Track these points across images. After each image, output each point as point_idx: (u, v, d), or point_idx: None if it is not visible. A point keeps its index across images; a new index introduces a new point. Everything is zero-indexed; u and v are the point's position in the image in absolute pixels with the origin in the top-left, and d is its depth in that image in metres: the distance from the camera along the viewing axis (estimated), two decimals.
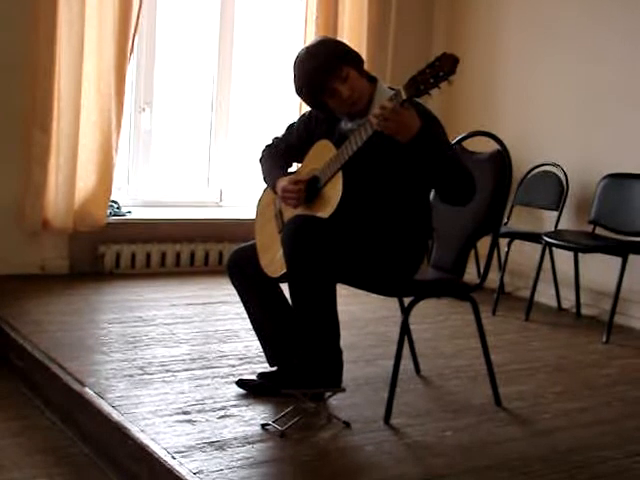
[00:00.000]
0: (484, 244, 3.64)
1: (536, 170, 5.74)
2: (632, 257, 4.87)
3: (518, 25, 6.08)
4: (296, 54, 3.34)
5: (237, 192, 6.31)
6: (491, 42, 6.28)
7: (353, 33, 6.06)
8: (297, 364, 3.28)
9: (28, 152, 5.21)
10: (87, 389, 3.44)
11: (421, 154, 3.04)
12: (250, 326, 3.64)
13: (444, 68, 2.87)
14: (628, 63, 5.33)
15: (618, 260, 4.86)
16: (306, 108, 3.55)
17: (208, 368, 3.82)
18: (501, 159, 3.46)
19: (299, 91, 3.33)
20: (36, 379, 3.86)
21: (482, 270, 3.55)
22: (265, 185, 3.59)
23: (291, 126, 3.60)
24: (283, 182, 3.39)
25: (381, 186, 3.25)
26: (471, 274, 4.21)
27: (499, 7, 6.22)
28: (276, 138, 3.64)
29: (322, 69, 3.21)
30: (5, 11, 5.12)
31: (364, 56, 3.46)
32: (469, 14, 6.47)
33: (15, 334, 4.18)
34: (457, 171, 3.11)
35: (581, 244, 5.08)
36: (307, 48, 3.33)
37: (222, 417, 3.23)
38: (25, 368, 3.99)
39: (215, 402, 3.38)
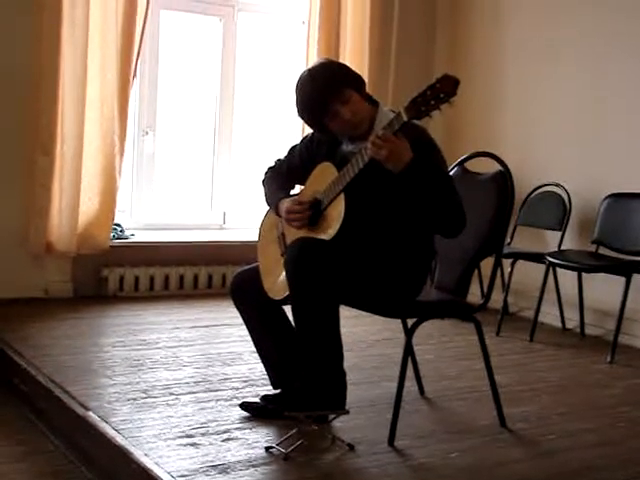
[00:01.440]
0: (487, 264, 3.63)
1: (539, 190, 5.75)
2: (636, 277, 4.86)
3: (519, 46, 6.10)
4: (298, 76, 3.35)
5: (240, 215, 6.33)
6: (492, 63, 6.31)
7: (355, 55, 6.09)
8: (300, 386, 3.27)
9: (32, 175, 5.23)
10: (91, 413, 3.44)
11: (411, 185, 3.05)
12: (253, 349, 3.63)
13: (445, 89, 2.88)
14: (630, 83, 5.35)
15: (622, 280, 4.85)
16: (308, 131, 3.56)
17: (212, 391, 3.81)
18: (503, 180, 3.47)
19: (301, 113, 3.34)
20: (40, 403, 3.86)
21: (485, 291, 3.55)
22: (267, 207, 3.60)
23: (293, 148, 3.61)
24: (287, 203, 3.39)
25: (383, 208, 3.25)
26: (474, 295, 4.20)
27: (500, 28, 6.25)
28: (278, 160, 3.65)
29: (324, 91, 3.22)
30: (9, 35, 5.16)
31: (365, 78, 3.48)
32: (470, 35, 6.50)
33: (19, 358, 4.18)
34: (447, 204, 3.11)
35: (585, 264, 5.08)
36: (309, 70, 3.35)
37: (226, 440, 3.22)
38: (29, 392, 3.99)
39: (219, 425, 3.38)
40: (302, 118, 3.37)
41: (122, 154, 5.49)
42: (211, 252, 5.94)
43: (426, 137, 3.23)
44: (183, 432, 3.28)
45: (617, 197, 5.22)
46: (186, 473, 2.90)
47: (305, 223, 3.33)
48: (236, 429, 3.34)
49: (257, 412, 3.49)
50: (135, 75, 5.53)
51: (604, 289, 5.29)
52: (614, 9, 5.44)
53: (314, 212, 3.32)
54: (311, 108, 3.27)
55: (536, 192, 5.76)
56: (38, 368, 4.00)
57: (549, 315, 5.58)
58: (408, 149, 3.01)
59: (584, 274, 5.31)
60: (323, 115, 3.25)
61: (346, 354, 3.31)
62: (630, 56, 5.34)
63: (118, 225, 5.72)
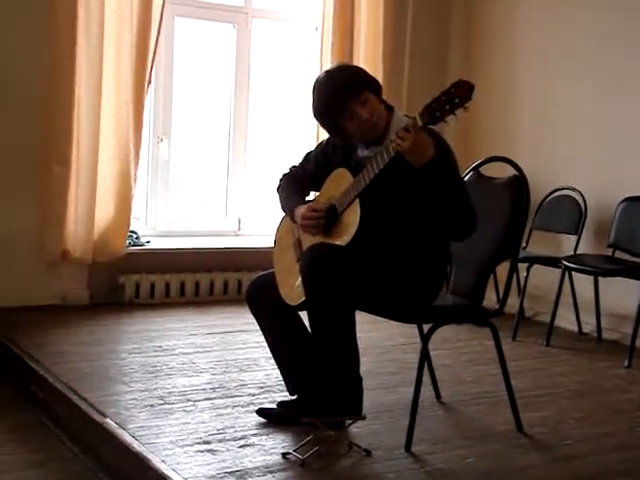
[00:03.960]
0: (503, 269, 3.63)
1: (554, 194, 5.74)
2: None
3: (534, 49, 6.09)
4: (315, 79, 3.36)
5: (255, 221, 6.33)
6: (507, 67, 6.30)
7: (369, 60, 6.09)
8: (317, 392, 3.28)
9: (47, 184, 5.26)
10: (108, 420, 3.45)
11: (429, 182, 3.04)
12: (270, 355, 3.64)
13: (459, 95, 2.88)
14: None
15: (638, 284, 4.83)
16: (323, 136, 3.56)
17: (228, 397, 3.82)
18: (518, 184, 3.46)
19: (318, 114, 3.34)
20: (57, 410, 3.87)
21: (501, 295, 3.55)
22: (283, 214, 3.60)
23: (308, 154, 3.62)
24: (302, 210, 3.40)
25: (399, 213, 3.25)
26: (490, 299, 4.19)
27: (515, 33, 6.24)
28: (294, 167, 3.66)
29: (343, 91, 3.22)
30: (24, 45, 5.19)
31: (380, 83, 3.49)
32: (484, 40, 6.49)
33: (36, 365, 4.19)
34: (461, 205, 3.12)
35: (601, 268, 5.06)
36: (327, 71, 3.36)
37: (243, 446, 3.23)
38: (46, 399, 4.00)
39: (235, 431, 3.38)
40: (319, 119, 3.37)
41: (137, 161, 5.51)
42: (227, 258, 5.94)
43: (441, 140, 3.23)
44: (200, 438, 3.28)
45: (633, 201, 5.20)
46: (203, 479, 2.90)
47: (321, 229, 3.33)
48: (253, 435, 3.35)
49: (274, 418, 3.50)
50: (150, 82, 5.56)
51: (620, 293, 5.27)
52: (630, 12, 5.42)
53: (330, 218, 3.32)
54: (329, 108, 3.27)
55: (551, 196, 5.75)
56: (55, 375, 4.02)
57: (565, 319, 5.56)
58: (432, 145, 3.02)
59: (600, 278, 5.29)
60: (341, 115, 3.24)
61: (362, 359, 3.31)
62: None
63: (134, 232, 5.74)
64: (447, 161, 3.16)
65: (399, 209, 3.25)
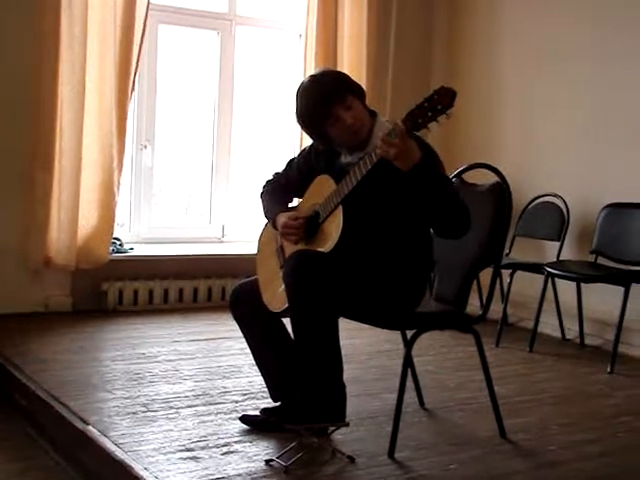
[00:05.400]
0: (486, 275, 3.63)
1: (537, 201, 5.76)
2: (635, 286, 4.85)
3: (516, 56, 6.12)
4: (299, 83, 3.36)
5: (239, 228, 6.33)
6: (490, 74, 6.32)
7: (352, 68, 6.10)
8: (300, 399, 3.27)
9: (30, 190, 5.24)
10: (90, 427, 3.43)
11: (420, 184, 3.04)
12: (253, 361, 3.64)
13: (442, 102, 2.89)
14: (628, 94, 5.35)
15: (621, 290, 4.84)
16: (307, 143, 3.56)
17: (212, 404, 3.81)
18: (501, 191, 3.47)
19: (302, 119, 3.34)
20: (40, 418, 3.85)
21: (484, 301, 3.55)
22: (266, 220, 3.60)
23: (291, 161, 3.62)
24: (283, 218, 3.40)
25: (382, 219, 3.26)
26: (474, 305, 4.20)
27: (498, 39, 6.27)
28: (277, 173, 3.66)
29: (328, 95, 3.23)
30: (8, 52, 5.18)
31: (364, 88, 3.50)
32: (467, 46, 6.52)
33: (19, 373, 4.17)
34: (454, 203, 3.12)
35: (583, 274, 5.08)
36: (312, 76, 3.36)
37: (226, 453, 3.22)
38: (29, 407, 3.98)
39: (219, 438, 3.37)
40: (302, 124, 3.37)
41: (120, 168, 5.50)
42: (210, 265, 5.94)
43: (425, 144, 3.22)
44: (183, 446, 3.27)
45: (615, 207, 5.22)
46: None
47: (301, 238, 3.34)
48: (236, 442, 3.34)
49: (257, 425, 3.49)
50: (133, 89, 5.55)
51: (603, 299, 5.29)
52: (615, 18, 5.46)
53: (313, 225, 3.33)
54: (314, 112, 3.27)
55: (534, 203, 5.77)
56: (38, 383, 4.00)
57: (548, 325, 5.58)
58: (417, 148, 3.02)
59: (583, 284, 5.31)
60: (325, 120, 3.24)
61: (346, 366, 3.30)
62: (630, 66, 5.34)
63: (117, 239, 5.72)
64: (434, 162, 3.16)
65: (383, 215, 3.25)
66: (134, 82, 5.53)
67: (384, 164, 3.06)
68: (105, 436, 3.33)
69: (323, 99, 3.23)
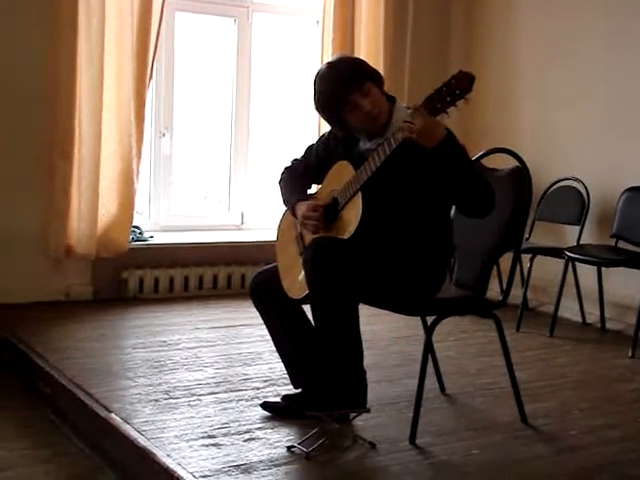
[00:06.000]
0: (506, 260, 3.63)
1: (557, 185, 5.73)
2: None
3: (534, 39, 6.08)
4: (317, 71, 3.36)
5: (258, 215, 6.34)
6: (508, 58, 6.29)
7: (369, 54, 6.08)
8: (321, 385, 3.28)
9: (50, 180, 5.26)
10: (113, 415, 3.46)
11: (447, 160, 3.03)
12: (274, 348, 3.65)
13: (460, 86, 2.88)
14: None
15: None
16: (325, 129, 3.55)
17: (233, 391, 3.82)
18: (521, 175, 3.46)
19: (320, 106, 3.33)
20: (63, 406, 3.88)
21: (505, 286, 3.55)
22: (285, 207, 3.60)
23: (310, 147, 3.61)
24: (302, 208, 3.39)
25: (401, 205, 3.25)
26: (494, 291, 4.20)
27: (517, 24, 6.23)
28: (295, 160, 3.65)
29: (345, 81, 3.22)
30: (26, 42, 5.19)
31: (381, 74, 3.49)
32: (485, 30, 6.48)
33: (42, 362, 4.20)
34: (479, 181, 3.11)
35: (604, 258, 5.06)
36: (329, 63, 3.36)
37: (247, 440, 3.23)
38: (52, 395, 4.01)
39: (240, 425, 3.39)
40: (321, 111, 3.36)
41: (139, 156, 5.51)
42: (230, 252, 5.95)
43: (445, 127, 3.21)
44: (205, 432, 3.29)
45: (636, 191, 5.19)
46: (208, 473, 2.91)
47: (320, 228, 3.33)
48: (258, 429, 3.35)
49: (278, 412, 3.50)
50: (151, 77, 5.55)
51: (624, 283, 5.27)
52: (630, 6, 5.42)
53: (332, 211, 3.32)
54: (331, 99, 3.26)
55: (554, 187, 5.74)
56: (60, 371, 4.03)
57: (569, 310, 5.56)
58: (442, 125, 3.01)
59: (604, 268, 5.29)
60: (343, 106, 3.24)
61: (366, 352, 3.31)
62: None
63: (137, 227, 5.74)
64: (456, 139, 3.15)
65: (402, 201, 3.24)
66: (152, 70, 5.53)
67: (404, 149, 3.05)
68: (128, 423, 3.35)
69: (341, 86, 3.23)
